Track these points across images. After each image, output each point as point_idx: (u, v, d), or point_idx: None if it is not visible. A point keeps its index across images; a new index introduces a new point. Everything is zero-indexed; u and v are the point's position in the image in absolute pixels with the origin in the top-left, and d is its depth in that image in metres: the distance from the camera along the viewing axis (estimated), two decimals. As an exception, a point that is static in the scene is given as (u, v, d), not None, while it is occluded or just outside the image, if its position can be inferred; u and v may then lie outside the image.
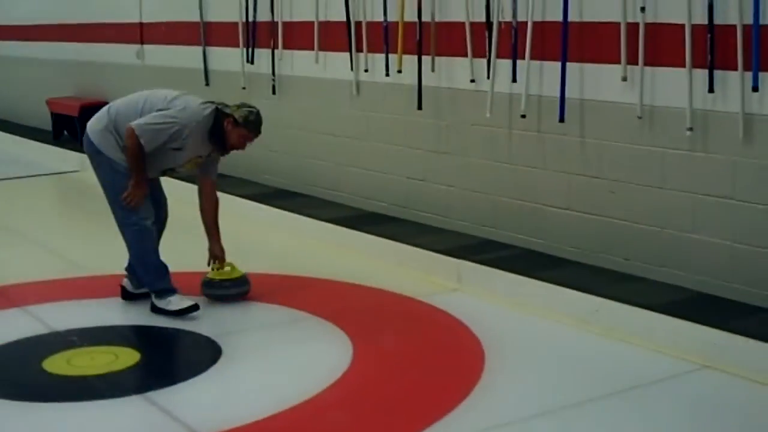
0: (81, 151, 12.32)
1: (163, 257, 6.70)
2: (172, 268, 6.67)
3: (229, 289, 6.82)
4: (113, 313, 6.64)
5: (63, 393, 5.34)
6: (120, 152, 6.43)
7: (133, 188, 6.43)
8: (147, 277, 6.59)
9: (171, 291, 6.54)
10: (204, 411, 5.10)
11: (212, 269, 6.86)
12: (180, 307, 6.44)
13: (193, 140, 6.41)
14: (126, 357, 5.77)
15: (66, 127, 13.58)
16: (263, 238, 8.72)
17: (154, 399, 5.21)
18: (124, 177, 6.44)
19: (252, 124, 6.50)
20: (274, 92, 9.82)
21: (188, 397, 5.30)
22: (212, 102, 6.59)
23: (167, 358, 5.88)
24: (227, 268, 6.86)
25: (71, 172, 12.24)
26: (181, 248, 7.20)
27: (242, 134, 6.50)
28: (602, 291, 6.34)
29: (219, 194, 9.67)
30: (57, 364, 5.69)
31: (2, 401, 5.24)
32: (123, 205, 6.50)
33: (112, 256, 8.18)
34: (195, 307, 6.47)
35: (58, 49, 14.37)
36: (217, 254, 6.87)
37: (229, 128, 6.45)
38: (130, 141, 6.27)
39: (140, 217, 6.54)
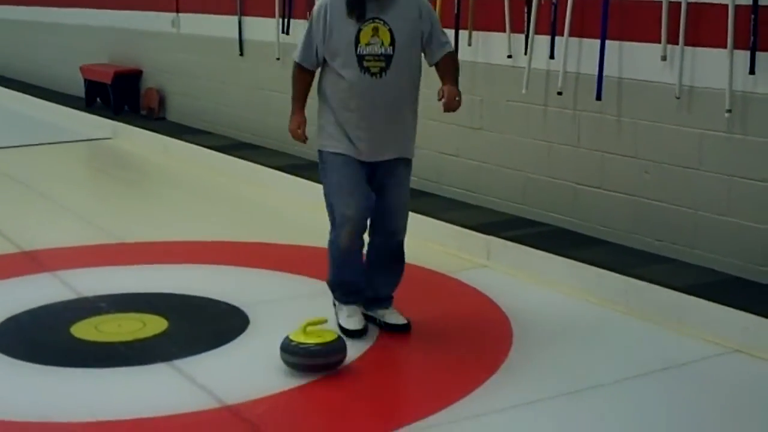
0: (113, 118, 12.53)
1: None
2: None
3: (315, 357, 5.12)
4: (142, 280, 6.61)
5: (90, 359, 5.35)
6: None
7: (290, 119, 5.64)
8: (329, 268, 5.77)
9: (344, 300, 5.75)
10: (230, 380, 5.08)
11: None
12: (346, 326, 5.62)
13: (329, 13, 5.28)
14: (154, 324, 5.77)
15: (99, 95, 13.59)
16: (293, 209, 8.70)
17: (181, 367, 5.22)
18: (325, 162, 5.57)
19: None
20: (308, 63, 9.75)
21: (214, 366, 5.29)
22: None
23: (195, 327, 5.83)
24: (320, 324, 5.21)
25: (104, 139, 12.28)
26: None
27: None
28: (633, 271, 6.28)
29: (251, 165, 9.77)
30: (85, 329, 5.70)
31: (30, 365, 5.26)
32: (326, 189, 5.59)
33: (143, 223, 8.27)
34: (359, 333, 5.61)
35: (93, 15, 14.35)
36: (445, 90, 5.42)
37: None
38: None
39: (345, 206, 5.46)
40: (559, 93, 7.09)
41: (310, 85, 5.58)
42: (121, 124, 12.40)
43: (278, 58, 10.15)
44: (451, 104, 5.40)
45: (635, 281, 6.18)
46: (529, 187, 7.49)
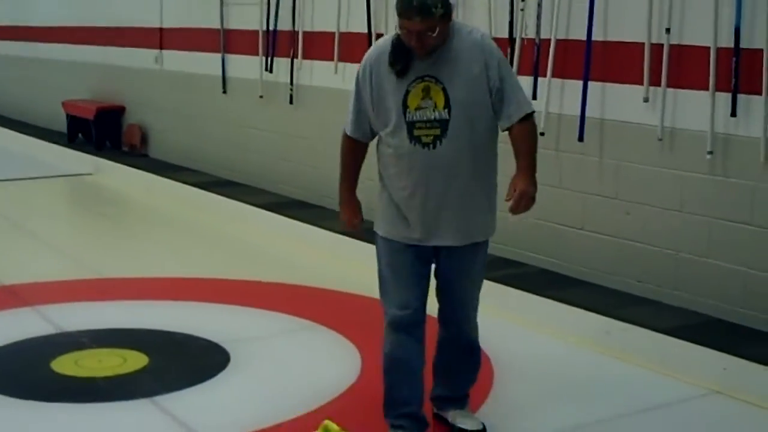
0: (95, 153, 12.52)
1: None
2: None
3: None
4: (123, 315, 6.58)
5: (70, 394, 5.30)
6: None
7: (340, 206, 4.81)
8: (385, 386, 4.75)
9: (394, 424, 4.70)
10: (210, 417, 5.06)
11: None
12: None
13: (374, 72, 4.42)
14: (134, 360, 5.73)
15: (81, 130, 13.59)
16: (275, 247, 8.70)
17: (161, 403, 5.17)
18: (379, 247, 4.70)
19: (397, 3, 4.24)
20: (291, 102, 9.79)
21: (195, 402, 5.26)
22: None
23: (176, 363, 5.81)
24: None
25: (85, 174, 12.26)
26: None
27: (399, 26, 4.25)
28: (614, 312, 6.29)
29: (233, 203, 9.77)
30: (65, 364, 5.66)
31: (10, 399, 5.21)
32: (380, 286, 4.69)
33: (124, 259, 8.25)
34: None
35: (76, 51, 14.38)
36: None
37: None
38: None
39: (389, 303, 4.63)
40: (542, 134, 7.10)
41: (361, 161, 4.65)
42: (103, 160, 12.40)
43: (261, 96, 10.19)
44: (519, 208, 4.37)
45: (617, 322, 6.18)
46: (511, 227, 7.49)
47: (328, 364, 5.84)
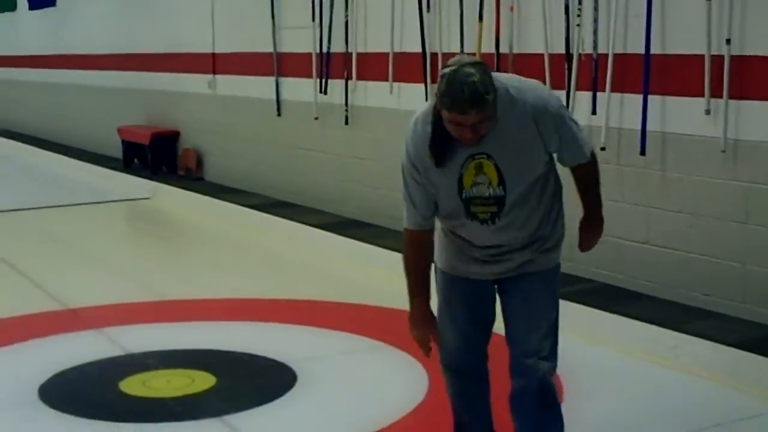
0: (151, 178, 12.61)
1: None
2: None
3: None
4: (188, 336, 6.61)
5: (139, 414, 5.33)
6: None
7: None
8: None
9: None
10: (279, 436, 5.07)
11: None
12: None
13: (418, 167, 3.99)
14: (202, 380, 5.75)
15: (137, 155, 13.70)
16: (333, 266, 8.70)
17: (230, 422, 5.19)
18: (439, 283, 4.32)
19: (442, 97, 3.67)
20: (347, 122, 9.81)
21: (263, 421, 5.26)
22: None
23: (243, 383, 5.81)
24: None
25: (142, 199, 12.33)
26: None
27: (445, 118, 3.73)
28: (681, 326, 6.25)
29: (290, 223, 9.80)
30: (133, 385, 5.68)
31: (80, 419, 5.25)
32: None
33: (183, 280, 8.28)
34: None
35: (130, 78, 14.52)
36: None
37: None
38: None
39: (443, 355, 4.31)
40: (603, 148, 7.08)
41: (430, 260, 4.15)
42: (159, 184, 12.50)
43: (316, 118, 10.21)
44: (586, 249, 4.41)
45: (684, 336, 6.13)
46: (576, 243, 7.45)
47: (395, 384, 5.82)
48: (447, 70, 3.66)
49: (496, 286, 4.18)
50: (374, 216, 9.54)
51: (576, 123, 4.06)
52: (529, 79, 4.01)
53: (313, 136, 10.45)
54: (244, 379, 5.88)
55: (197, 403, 5.46)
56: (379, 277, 8.10)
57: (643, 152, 6.83)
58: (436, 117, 3.80)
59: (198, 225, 11.07)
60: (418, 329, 4.14)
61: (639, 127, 6.83)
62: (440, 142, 3.84)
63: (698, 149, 6.57)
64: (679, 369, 5.98)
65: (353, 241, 9.02)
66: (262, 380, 5.86)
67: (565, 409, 5.30)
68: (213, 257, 9.59)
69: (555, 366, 4.17)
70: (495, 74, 3.79)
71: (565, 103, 7.24)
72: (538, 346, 4.09)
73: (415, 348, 6.18)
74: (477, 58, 3.78)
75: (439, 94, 3.66)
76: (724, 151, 6.37)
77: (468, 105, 3.61)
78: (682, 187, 6.70)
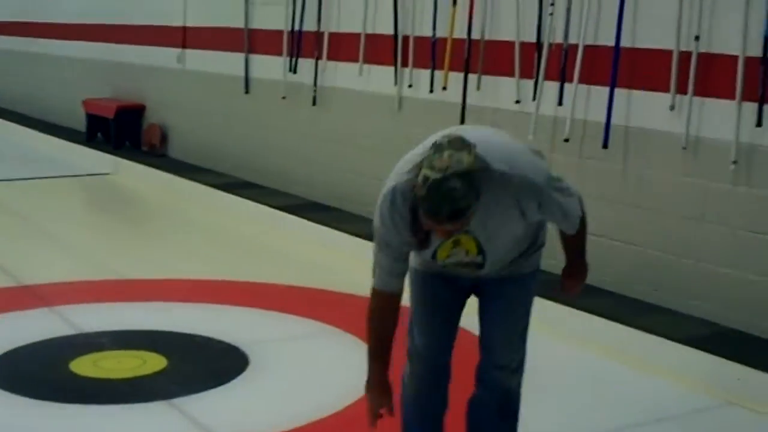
0: (114, 153, 12.50)
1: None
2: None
3: None
4: (142, 317, 6.57)
5: (89, 395, 5.29)
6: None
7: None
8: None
9: None
10: (228, 420, 5.05)
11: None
12: None
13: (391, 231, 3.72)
14: (153, 362, 5.72)
15: (101, 129, 13.57)
16: (295, 250, 8.67)
17: (180, 405, 5.17)
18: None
19: (421, 201, 3.42)
20: (314, 103, 9.76)
21: (213, 405, 5.24)
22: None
23: (194, 365, 5.79)
24: None
25: (104, 174, 12.24)
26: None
27: (422, 215, 3.48)
28: (631, 321, 6.29)
29: (252, 204, 9.75)
30: (84, 365, 5.64)
31: (28, 400, 5.20)
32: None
33: (143, 260, 8.23)
34: None
35: (97, 49, 14.39)
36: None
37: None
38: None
39: (412, 330, 4.14)
40: (566, 140, 7.07)
41: (395, 325, 3.87)
42: (122, 159, 12.38)
43: (284, 97, 10.16)
44: (569, 294, 4.38)
45: (635, 331, 6.16)
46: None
47: (347, 368, 5.78)
48: (432, 175, 3.35)
49: (472, 286, 4.07)
50: (339, 200, 9.50)
51: (565, 191, 3.86)
52: (517, 150, 3.73)
53: (280, 115, 10.39)
54: (195, 362, 5.86)
55: (147, 385, 5.44)
56: (342, 262, 8.10)
57: (605, 145, 6.82)
58: (415, 202, 3.54)
59: (159, 203, 11.01)
60: (373, 396, 3.93)
61: (603, 119, 6.81)
62: (421, 226, 3.60)
63: (660, 145, 6.57)
64: (626, 363, 6.01)
65: (316, 225, 8.98)
66: (213, 363, 5.84)
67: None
68: (173, 237, 9.54)
69: (522, 375, 4.19)
70: (484, 146, 3.52)
71: (532, 92, 7.30)
72: (509, 358, 4.10)
73: (365, 332, 6.22)
74: (468, 163, 3.38)
75: (419, 195, 3.41)
76: (684, 148, 6.37)
77: (445, 219, 3.40)
78: (642, 182, 6.70)
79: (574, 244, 4.15)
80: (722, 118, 6.17)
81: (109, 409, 5.14)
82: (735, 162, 6.09)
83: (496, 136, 3.80)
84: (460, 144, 3.42)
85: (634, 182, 6.75)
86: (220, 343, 6.12)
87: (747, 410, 5.40)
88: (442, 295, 4.06)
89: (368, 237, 8.05)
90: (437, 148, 3.40)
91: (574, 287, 4.27)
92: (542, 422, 5.17)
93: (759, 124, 5.95)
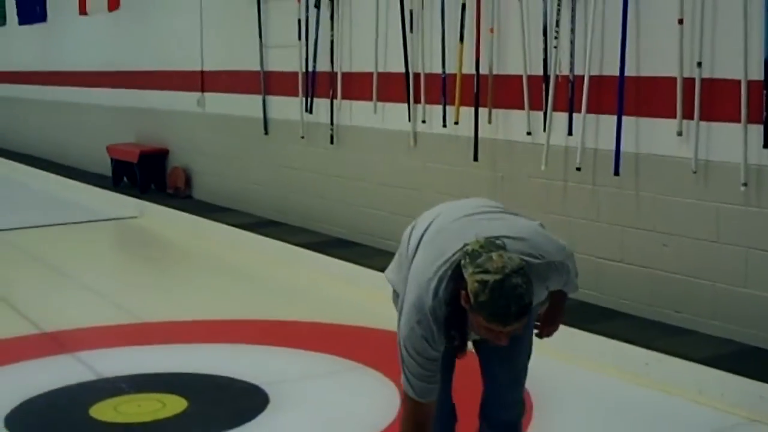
0: (140, 197, 12.63)
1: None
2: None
3: None
4: (163, 360, 6.62)
5: (109, 441, 5.35)
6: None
7: None
8: None
9: None
10: (248, 461, 5.10)
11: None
12: None
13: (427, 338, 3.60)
14: (173, 405, 5.77)
15: (126, 174, 13.71)
16: (318, 286, 8.73)
17: (200, 448, 5.23)
18: None
19: (482, 306, 3.35)
20: (332, 142, 9.85)
21: (233, 445, 5.29)
22: (458, 252, 3.53)
23: (214, 406, 5.83)
24: None
25: (129, 218, 12.36)
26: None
27: (477, 321, 3.43)
28: (653, 344, 6.30)
29: (276, 243, 9.83)
30: (104, 411, 5.69)
31: (49, 447, 5.27)
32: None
33: (166, 303, 8.29)
34: None
35: (119, 95, 14.54)
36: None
37: (467, 308, 3.45)
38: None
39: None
40: (578, 169, 7.12)
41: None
42: (147, 203, 12.51)
43: (302, 137, 10.25)
44: (545, 336, 4.28)
45: (655, 353, 6.18)
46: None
47: (367, 404, 5.87)
48: (491, 278, 3.31)
49: None
50: (359, 235, 9.57)
51: (571, 256, 3.88)
52: (533, 233, 3.75)
53: (299, 154, 10.48)
54: (215, 403, 5.90)
55: (167, 428, 5.49)
56: (364, 296, 8.15)
57: (617, 172, 6.86)
58: (448, 299, 3.50)
59: (184, 245, 11.10)
60: None
61: (613, 147, 6.86)
62: (455, 328, 3.56)
63: (671, 170, 6.61)
64: (650, 386, 6.03)
65: (338, 260, 9.04)
66: (233, 404, 5.88)
67: (534, 424, 5.39)
68: (197, 278, 9.62)
69: (524, 406, 4.24)
70: (508, 241, 3.54)
71: (542, 123, 7.36)
72: (516, 394, 4.15)
73: (388, 367, 6.28)
74: (519, 260, 3.41)
75: (477, 302, 3.33)
76: (695, 172, 6.41)
77: (514, 319, 3.34)
78: (655, 207, 6.73)
79: (562, 299, 4.16)
80: (729, 141, 6.21)
81: (129, 454, 5.20)
82: (745, 184, 6.13)
83: (503, 222, 3.77)
84: (494, 245, 3.43)
85: (648, 207, 6.79)
86: (241, 382, 6.16)
87: None
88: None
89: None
90: (473, 254, 3.37)
91: (552, 331, 4.26)
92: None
93: (766, 145, 5.99)
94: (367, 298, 8.11)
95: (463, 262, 3.40)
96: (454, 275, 3.48)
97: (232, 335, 7.22)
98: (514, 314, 3.32)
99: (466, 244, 3.46)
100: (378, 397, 5.91)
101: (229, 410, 5.77)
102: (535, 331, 4.18)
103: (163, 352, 6.81)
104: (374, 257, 8.91)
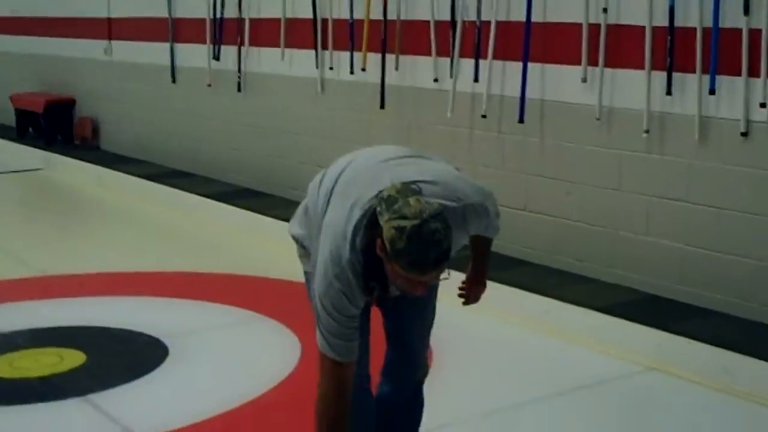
0: (46, 148, 12.36)
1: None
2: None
3: None
4: (62, 313, 6.49)
5: (2, 396, 5.23)
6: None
7: None
8: None
9: None
10: (145, 413, 5.01)
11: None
12: None
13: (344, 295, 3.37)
14: (71, 358, 5.67)
15: (31, 124, 13.40)
16: (225, 237, 8.65)
17: (96, 401, 5.12)
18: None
19: (399, 255, 3.13)
20: (239, 90, 9.72)
21: (130, 399, 5.20)
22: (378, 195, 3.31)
23: (113, 359, 5.74)
24: None
25: (35, 170, 12.12)
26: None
27: (394, 270, 3.19)
28: (553, 292, 6.35)
29: (183, 194, 9.71)
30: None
31: (-61, 404, 5.14)
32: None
33: (70, 255, 8.15)
34: None
35: (23, 43, 14.22)
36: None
37: (383, 257, 3.22)
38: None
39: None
40: (484, 116, 7.09)
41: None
42: (53, 154, 12.25)
43: (209, 85, 10.10)
44: (473, 302, 4.13)
45: (556, 302, 6.21)
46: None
47: (267, 355, 5.83)
48: (408, 223, 3.11)
49: None
50: (268, 185, 9.47)
51: (490, 196, 3.66)
52: (449, 177, 3.53)
53: (207, 103, 10.34)
54: (114, 356, 5.81)
55: (64, 382, 5.38)
56: (271, 247, 8.08)
57: (521, 120, 6.84)
58: (370, 258, 3.27)
59: (91, 196, 10.91)
60: None
61: (519, 94, 6.83)
62: (380, 283, 3.35)
63: (575, 117, 6.61)
64: (550, 334, 6.06)
65: (246, 211, 8.95)
66: (133, 356, 5.81)
67: (433, 373, 5.36)
68: (104, 231, 9.45)
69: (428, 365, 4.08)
70: (423, 185, 3.34)
71: (449, 70, 7.30)
72: (424, 355, 3.99)
73: (291, 318, 6.24)
74: (437, 205, 3.21)
75: (394, 250, 3.11)
76: (599, 119, 6.41)
77: (432, 267, 3.15)
78: (559, 155, 6.73)
79: (485, 248, 3.98)
80: (633, 88, 6.21)
81: (22, 409, 5.07)
82: (647, 131, 6.13)
83: (418, 167, 3.53)
84: (411, 190, 3.24)
85: (552, 155, 6.78)
86: (140, 335, 6.08)
87: (667, 375, 5.48)
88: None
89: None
90: (389, 200, 3.18)
91: (479, 295, 4.08)
92: (464, 396, 5.23)
93: (669, 92, 5.99)
94: (275, 249, 8.03)
95: (378, 208, 3.21)
96: (370, 223, 3.28)
97: (133, 288, 7.11)
98: (433, 261, 3.13)
99: (381, 191, 3.28)
100: (279, 348, 5.87)
101: (128, 363, 5.69)
102: (459, 293, 4.02)
103: (62, 306, 6.68)
104: (283, 207, 8.83)
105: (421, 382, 4.05)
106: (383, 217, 3.16)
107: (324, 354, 3.45)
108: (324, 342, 3.43)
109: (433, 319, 3.97)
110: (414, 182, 3.33)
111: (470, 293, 4.05)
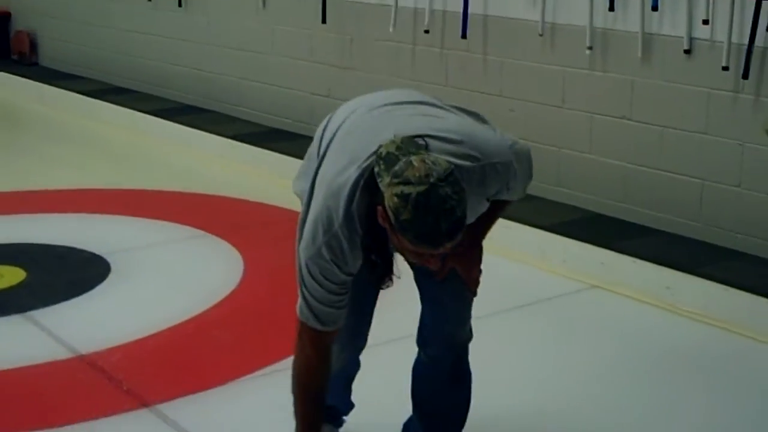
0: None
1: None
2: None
3: None
4: (2, 231, 6.43)
5: (-59, 313, 5.20)
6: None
7: None
8: None
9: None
10: (86, 330, 4.99)
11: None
12: None
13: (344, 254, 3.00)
14: (11, 275, 5.64)
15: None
16: (167, 155, 8.59)
17: (37, 318, 5.11)
18: None
19: (406, 228, 2.74)
20: (180, 5, 9.58)
21: (72, 315, 5.20)
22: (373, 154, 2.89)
23: (54, 277, 5.71)
24: None
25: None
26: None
27: (400, 242, 2.82)
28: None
29: (124, 110, 9.60)
30: (-63, 284, 5.55)
31: None
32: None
33: (10, 173, 8.06)
34: None
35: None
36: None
37: (387, 228, 2.84)
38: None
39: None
40: (426, 31, 7.05)
41: (329, 377, 3.25)
42: (-11, 70, 12.04)
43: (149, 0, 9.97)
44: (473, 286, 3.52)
45: (500, 220, 6.19)
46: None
47: (210, 272, 5.83)
48: (413, 189, 2.69)
49: None
50: (209, 101, 9.39)
51: (521, 154, 3.25)
52: (466, 128, 3.13)
53: (147, 18, 10.18)
54: (55, 273, 5.78)
55: (4, 299, 5.36)
56: (211, 163, 8.06)
57: (464, 35, 6.80)
58: (370, 227, 2.91)
59: (30, 114, 10.74)
60: None
61: (461, 9, 6.79)
62: (383, 258, 3.01)
63: (518, 33, 6.58)
64: (493, 251, 6.04)
65: (187, 128, 8.87)
66: (74, 273, 5.77)
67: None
68: (42, 148, 9.30)
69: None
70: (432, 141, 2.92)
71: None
72: (465, 318, 3.59)
73: (232, 235, 6.22)
74: (446, 164, 2.78)
75: (399, 222, 2.72)
76: (541, 35, 6.39)
77: (445, 239, 2.74)
78: (502, 71, 6.71)
79: (497, 210, 3.42)
80: (576, 4, 6.19)
81: (-40, 326, 5.05)
82: (590, 47, 6.13)
83: (427, 118, 3.11)
84: (415, 145, 2.82)
85: (495, 71, 6.76)
86: (82, 252, 6.05)
87: (611, 293, 5.55)
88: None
89: (239, 137, 8.02)
90: (388, 159, 2.77)
91: (475, 274, 3.51)
92: (411, 312, 5.23)
93: (611, 8, 5.98)
94: (216, 166, 8.03)
95: (376, 169, 2.78)
96: (368, 186, 2.86)
97: (75, 205, 7.04)
98: (445, 233, 2.71)
99: (380, 146, 2.84)
100: (222, 264, 5.88)
101: (69, 280, 5.66)
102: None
103: (2, 223, 6.62)
104: (222, 123, 8.80)
105: (465, 349, 3.61)
106: (383, 180, 2.75)
107: (303, 323, 3.11)
108: (306, 308, 3.09)
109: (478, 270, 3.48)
110: (420, 136, 2.90)
111: (465, 276, 3.44)
